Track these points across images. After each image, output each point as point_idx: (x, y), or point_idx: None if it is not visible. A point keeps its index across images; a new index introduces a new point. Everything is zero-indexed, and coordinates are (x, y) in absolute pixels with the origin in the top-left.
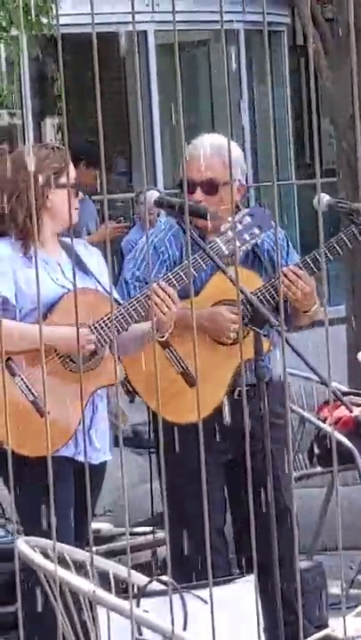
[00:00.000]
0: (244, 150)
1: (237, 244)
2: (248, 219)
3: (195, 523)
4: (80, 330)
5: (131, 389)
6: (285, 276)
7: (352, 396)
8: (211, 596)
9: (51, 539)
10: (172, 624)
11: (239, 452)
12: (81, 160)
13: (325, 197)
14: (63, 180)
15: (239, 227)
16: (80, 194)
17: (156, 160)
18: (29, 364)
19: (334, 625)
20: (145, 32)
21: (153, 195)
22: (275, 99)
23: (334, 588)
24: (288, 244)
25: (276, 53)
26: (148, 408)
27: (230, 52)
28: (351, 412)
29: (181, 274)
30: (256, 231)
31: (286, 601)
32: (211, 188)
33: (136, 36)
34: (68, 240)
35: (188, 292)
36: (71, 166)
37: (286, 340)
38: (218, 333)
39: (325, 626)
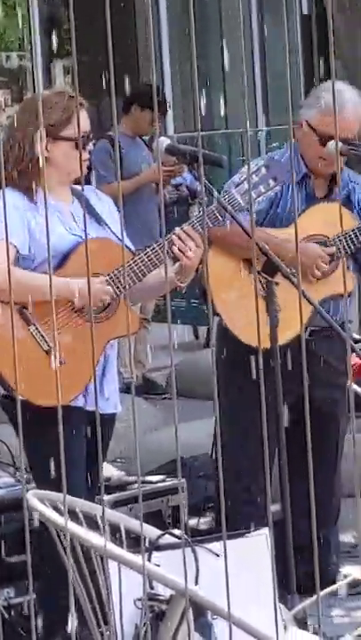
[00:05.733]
0: (255, 94)
1: (253, 195)
2: (264, 170)
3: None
4: (96, 281)
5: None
6: None
7: None
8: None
9: (61, 490)
10: (185, 578)
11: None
12: (132, 104)
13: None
14: (66, 131)
15: (255, 178)
16: (90, 144)
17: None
18: (45, 313)
19: (350, 570)
20: None
21: (164, 142)
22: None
23: (349, 537)
24: None
25: None
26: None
27: None
28: None
29: (207, 220)
30: (271, 183)
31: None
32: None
33: None
34: (79, 187)
35: (274, 223)
36: (83, 116)
37: (303, 293)
38: (306, 268)
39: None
